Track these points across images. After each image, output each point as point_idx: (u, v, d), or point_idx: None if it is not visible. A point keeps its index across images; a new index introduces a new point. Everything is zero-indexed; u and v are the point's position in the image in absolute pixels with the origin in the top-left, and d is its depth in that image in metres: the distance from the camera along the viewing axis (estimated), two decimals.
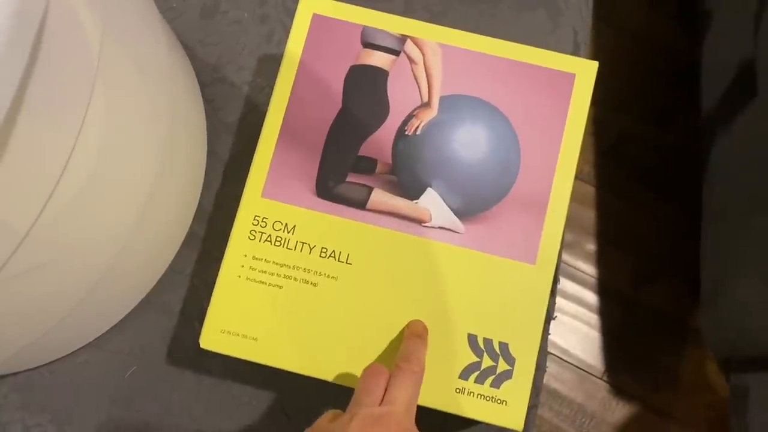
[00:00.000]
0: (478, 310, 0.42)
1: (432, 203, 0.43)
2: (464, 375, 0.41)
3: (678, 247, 0.94)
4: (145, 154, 0.42)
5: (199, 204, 0.52)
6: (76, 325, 0.47)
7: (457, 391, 0.41)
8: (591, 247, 0.94)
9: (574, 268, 0.94)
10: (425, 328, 0.41)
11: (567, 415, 0.89)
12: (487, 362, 0.41)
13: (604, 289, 0.92)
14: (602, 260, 0.93)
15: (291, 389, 0.50)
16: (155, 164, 0.44)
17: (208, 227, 0.52)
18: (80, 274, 0.42)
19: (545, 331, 0.45)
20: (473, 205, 0.43)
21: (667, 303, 0.92)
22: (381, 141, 0.44)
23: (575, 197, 0.94)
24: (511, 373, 0.41)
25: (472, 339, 0.42)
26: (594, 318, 0.92)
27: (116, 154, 0.39)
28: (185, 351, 0.51)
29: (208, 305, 0.43)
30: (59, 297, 0.42)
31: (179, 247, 0.52)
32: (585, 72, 0.45)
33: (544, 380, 0.91)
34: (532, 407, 0.52)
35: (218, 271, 0.43)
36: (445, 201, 0.43)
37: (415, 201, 0.43)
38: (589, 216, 0.94)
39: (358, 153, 0.44)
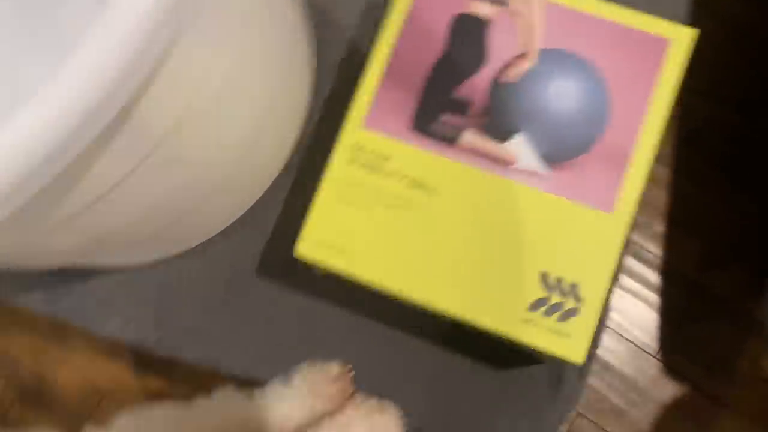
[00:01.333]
0: (553, 250, 0.45)
1: (520, 148, 0.46)
2: (533, 307, 0.44)
3: (748, 237, 0.93)
4: (263, 78, 0.47)
5: (299, 136, 0.57)
6: (183, 228, 0.53)
7: (524, 321, 0.44)
8: (660, 228, 0.94)
9: (641, 247, 0.95)
10: None
11: (616, 388, 0.91)
12: (555, 298, 0.44)
13: (669, 271, 0.93)
14: (670, 242, 0.94)
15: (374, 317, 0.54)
16: (271, 93, 0.48)
17: (305, 158, 0.57)
18: (196, 180, 0.47)
19: (614, 280, 0.48)
20: (559, 153, 0.46)
21: (731, 292, 0.92)
22: (477, 85, 0.47)
23: (649, 178, 0.94)
24: (578, 311, 0.44)
25: (544, 276, 0.45)
26: (655, 298, 0.93)
27: (240, 76, 0.44)
28: (276, 264, 0.56)
29: (298, 227, 0.47)
30: (172, 198, 0.47)
31: (278, 173, 0.57)
32: (681, 38, 0.46)
33: (597, 352, 0.93)
34: (591, 355, 0.55)
35: (312, 197, 0.47)
36: (532, 147, 0.46)
37: (503, 144, 0.46)
38: (662, 198, 0.94)
39: (454, 95, 0.47)
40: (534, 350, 0.45)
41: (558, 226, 0.45)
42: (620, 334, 0.93)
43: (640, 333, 0.93)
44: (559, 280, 0.45)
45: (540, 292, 0.45)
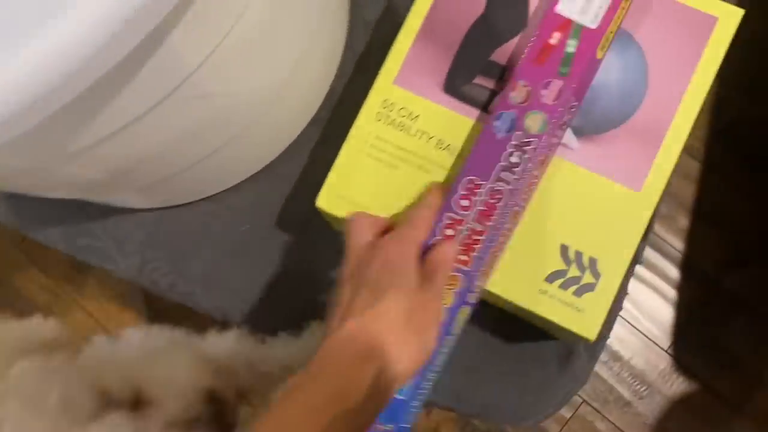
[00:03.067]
0: (575, 223, 0.44)
1: None
2: (550, 279, 0.44)
3: None
4: (298, 22, 0.46)
5: (329, 89, 0.56)
6: (205, 174, 0.53)
7: (541, 292, 0.44)
8: (684, 222, 0.93)
9: (663, 240, 0.93)
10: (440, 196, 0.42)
11: (624, 378, 0.90)
12: (573, 272, 0.44)
13: (689, 266, 0.92)
14: (693, 238, 0.92)
15: None
16: (303, 41, 0.48)
17: (333, 113, 0.56)
18: (223, 121, 0.47)
19: (634, 262, 0.47)
20: (591, 125, 0.45)
21: (750, 293, 0.90)
22: (514, 50, 0.46)
23: (678, 171, 0.93)
24: (595, 287, 0.44)
25: (564, 248, 0.44)
26: (672, 293, 0.92)
27: (275, 18, 0.43)
28: (295, 218, 0.55)
29: (322, 181, 0.47)
30: (196, 138, 0.46)
31: (305, 125, 0.56)
32: (728, 17, 0.45)
33: (608, 342, 0.93)
34: (604, 336, 0.55)
35: (338, 151, 0.47)
36: None
37: None
38: (689, 192, 0.92)
39: (489, 58, 0.46)
40: (548, 323, 0.45)
41: (583, 200, 0.44)
42: (634, 326, 0.92)
43: (654, 326, 0.92)
44: (578, 254, 0.44)
45: (559, 264, 0.44)
